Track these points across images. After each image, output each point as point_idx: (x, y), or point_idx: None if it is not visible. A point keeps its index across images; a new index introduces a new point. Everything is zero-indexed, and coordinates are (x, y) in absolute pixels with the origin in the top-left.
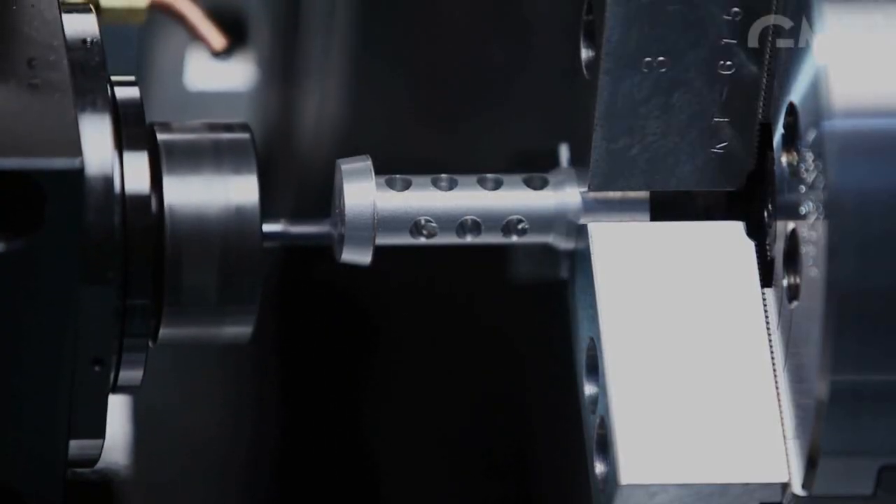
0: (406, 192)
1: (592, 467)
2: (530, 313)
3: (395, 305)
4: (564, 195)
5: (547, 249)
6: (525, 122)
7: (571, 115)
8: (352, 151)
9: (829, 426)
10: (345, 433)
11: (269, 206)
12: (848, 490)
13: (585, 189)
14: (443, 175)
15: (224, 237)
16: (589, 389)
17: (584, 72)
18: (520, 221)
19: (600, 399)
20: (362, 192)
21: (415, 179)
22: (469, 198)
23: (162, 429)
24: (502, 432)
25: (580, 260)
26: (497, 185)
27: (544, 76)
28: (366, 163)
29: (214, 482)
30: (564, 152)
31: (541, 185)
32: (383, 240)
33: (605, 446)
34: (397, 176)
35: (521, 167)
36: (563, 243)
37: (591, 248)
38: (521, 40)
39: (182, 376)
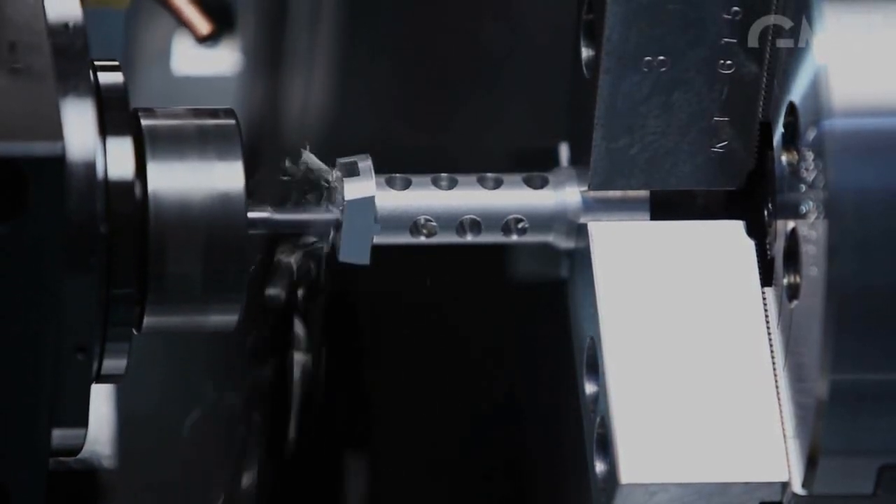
0: (406, 192)
1: (592, 466)
2: (530, 313)
3: (395, 305)
4: (564, 194)
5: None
6: (515, 118)
7: (571, 114)
8: (338, 138)
9: (829, 425)
10: (341, 432)
11: (255, 192)
12: (848, 489)
13: (585, 188)
14: (443, 174)
15: (209, 224)
16: (589, 389)
17: (585, 71)
18: (520, 221)
19: (600, 398)
20: (362, 190)
21: (415, 179)
22: (469, 197)
23: (146, 419)
24: (502, 432)
25: (580, 259)
26: (497, 185)
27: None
28: (366, 162)
29: (200, 470)
30: (564, 151)
31: (541, 184)
32: (383, 239)
33: (605, 445)
34: (397, 175)
35: (521, 166)
36: (563, 243)
37: (591, 247)
38: (517, 35)
39: (166, 365)
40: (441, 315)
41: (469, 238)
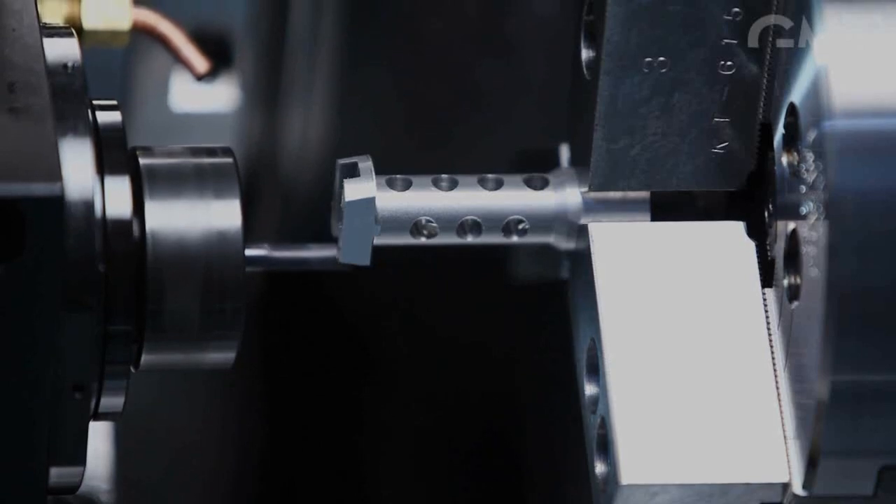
0: (407, 193)
1: (593, 467)
2: (530, 313)
3: (395, 305)
4: (565, 195)
5: (546, 250)
6: (513, 131)
7: (571, 115)
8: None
9: (829, 426)
10: (340, 432)
11: (253, 229)
12: (848, 490)
13: (586, 189)
14: (443, 175)
15: (206, 262)
16: (589, 390)
17: (585, 72)
18: (520, 222)
19: (601, 399)
20: (363, 191)
21: (415, 179)
22: (470, 198)
23: (144, 453)
24: (501, 432)
25: (580, 260)
26: (497, 186)
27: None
28: (367, 163)
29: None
30: (565, 152)
31: (541, 185)
32: (383, 240)
33: (605, 446)
34: (398, 176)
35: (522, 167)
36: (564, 243)
37: (591, 248)
38: (508, 50)
39: (165, 395)
40: (441, 316)
41: (470, 239)
